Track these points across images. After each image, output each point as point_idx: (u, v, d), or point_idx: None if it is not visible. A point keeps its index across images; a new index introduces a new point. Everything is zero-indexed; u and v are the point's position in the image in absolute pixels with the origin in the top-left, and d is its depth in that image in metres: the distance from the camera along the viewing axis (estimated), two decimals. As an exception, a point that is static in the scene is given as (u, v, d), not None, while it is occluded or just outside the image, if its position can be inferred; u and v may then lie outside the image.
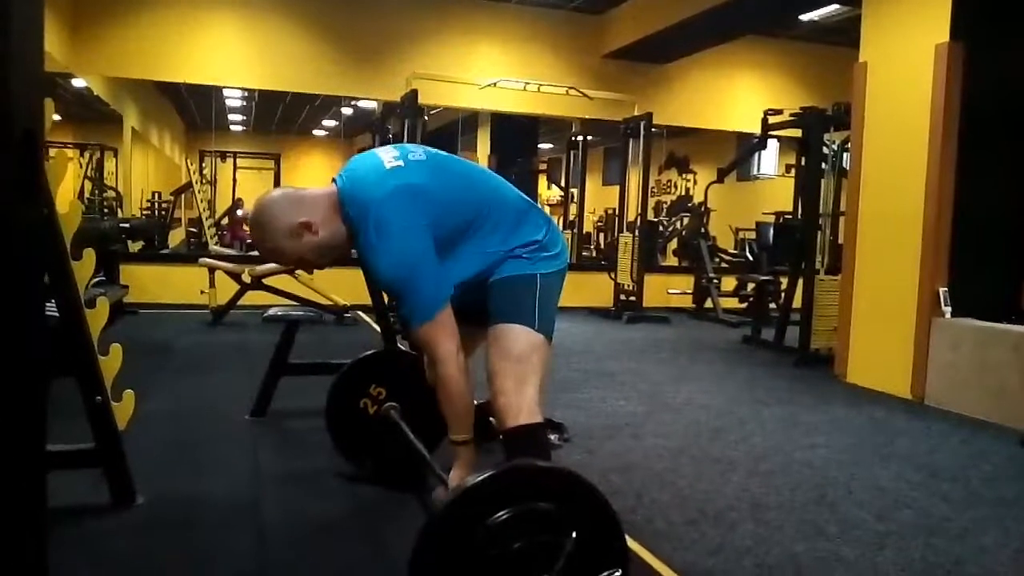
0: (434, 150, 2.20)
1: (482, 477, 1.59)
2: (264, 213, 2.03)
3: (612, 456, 3.34)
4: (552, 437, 3.44)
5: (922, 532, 2.62)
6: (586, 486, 1.65)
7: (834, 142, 6.29)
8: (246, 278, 6.72)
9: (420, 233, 1.97)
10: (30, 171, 0.94)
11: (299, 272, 6.97)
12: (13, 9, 0.92)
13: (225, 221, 12.47)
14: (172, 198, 12.73)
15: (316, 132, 18.17)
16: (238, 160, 14.12)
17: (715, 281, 8.65)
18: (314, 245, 2.03)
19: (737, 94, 9.98)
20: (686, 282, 9.10)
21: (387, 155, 2.09)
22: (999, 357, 4.34)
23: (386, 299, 3.85)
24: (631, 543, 2.20)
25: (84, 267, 2.51)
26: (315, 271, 2.26)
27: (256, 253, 7.60)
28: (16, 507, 0.99)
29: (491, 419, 2.21)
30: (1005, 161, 4.84)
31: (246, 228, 12.88)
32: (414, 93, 7.38)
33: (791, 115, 6.66)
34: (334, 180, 2.10)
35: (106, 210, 11.24)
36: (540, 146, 13.99)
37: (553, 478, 1.68)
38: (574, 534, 1.56)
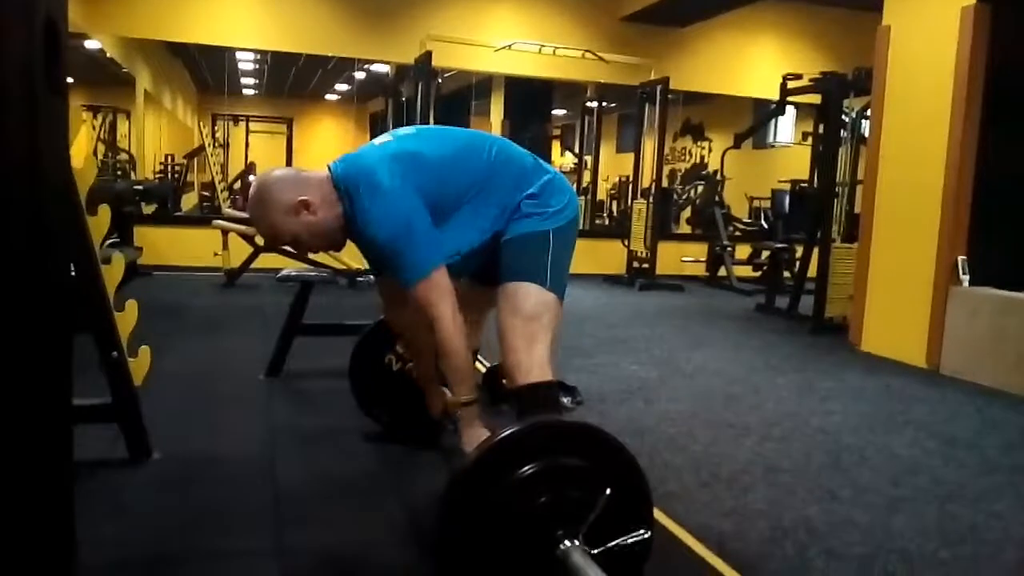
0: (426, 126, 2.21)
1: (511, 431, 1.58)
2: (265, 189, 2.04)
3: (625, 420, 3.34)
4: (565, 400, 3.45)
5: (937, 498, 2.61)
6: (619, 446, 1.65)
7: (853, 109, 6.20)
8: (259, 241, 6.71)
9: (411, 194, 1.99)
10: (55, 66, 0.92)
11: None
12: None
13: (238, 185, 12.45)
14: (185, 161, 12.71)
15: (329, 96, 18.05)
16: (251, 124, 14.05)
17: (729, 249, 8.59)
18: (310, 224, 2.03)
19: (756, 59, 9.82)
20: (700, 250, 9.04)
21: (377, 139, 2.18)
22: (1017, 327, 4.29)
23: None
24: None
25: (99, 223, 2.50)
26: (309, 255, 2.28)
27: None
28: (45, 460, 0.98)
29: (503, 380, 2.20)
30: (1029, 129, 4.75)
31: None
32: (428, 55, 7.31)
33: (810, 80, 6.56)
34: (329, 166, 2.10)
35: (119, 172, 11.24)
36: (554, 112, 13.83)
37: (584, 435, 1.68)
38: (607, 492, 1.55)
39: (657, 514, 2.34)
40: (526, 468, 1.54)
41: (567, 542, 1.53)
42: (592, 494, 1.54)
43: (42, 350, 0.95)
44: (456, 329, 2.02)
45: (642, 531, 1.59)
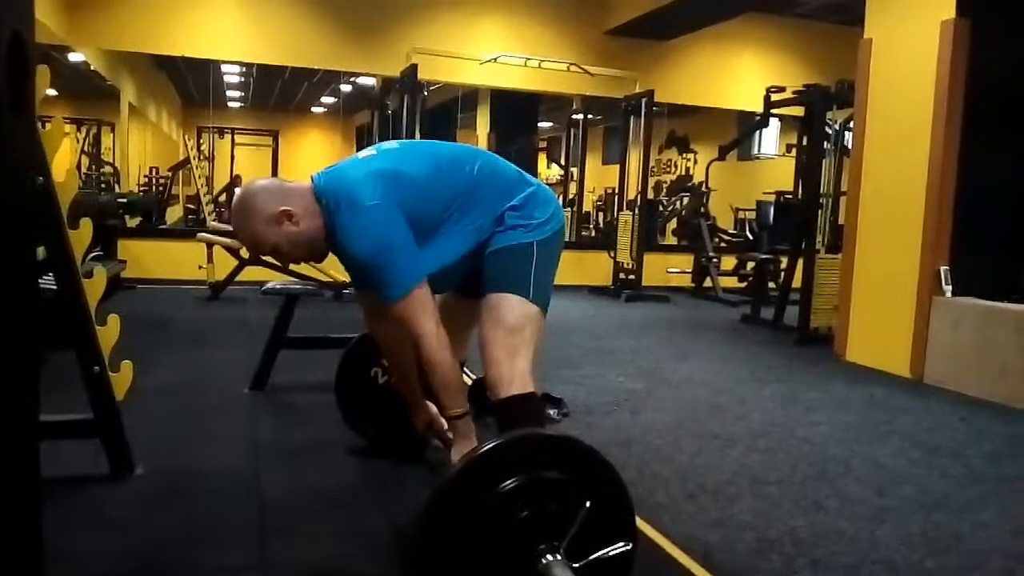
0: (410, 140, 2.21)
1: (492, 444, 1.58)
2: (248, 198, 2.03)
3: (612, 431, 3.34)
4: (551, 412, 3.45)
5: (922, 508, 2.62)
6: (599, 458, 1.64)
7: (836, 121, 6.25)
8: (244, 254, 6.69)
9: (392, 211, 1.98)
10: (19, 79, 0.90)
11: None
12: None
13: (223, 197, 12.40)
14: (170, 174, 12.66)
15: (315, 109, 18.04)
16: (236, 137, 14.02)
17: (715, 260, 8.63)
18: (291, 235, 2.02)
19: (739, 72, 9.89)
20: (686, 261, 9.08)
21: (361, 153, 2.18)
22: (1000, 336, 4.33)
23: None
24: (631, 516, 2.20)
25: (81, 236, 2.48)
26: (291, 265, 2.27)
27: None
28: (10, 480, 0.97)
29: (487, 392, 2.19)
30: (1010, 140, 4.80)
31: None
32: (414, 68, 7.31)
33: (794, 93, 6.61)
34: (312, 177, 2.10)
35: (103, 185, 11.18)
36: (540, 124, 13.89)
37: (566, 448, 1.67)
38: (587, 504, 1.54)
39: (643, 526, 2.34)
40: (507, 482, 1.53)
41: (548, 556, 1.52)
42: (573, 507, 1.54)
43: (6, 366, 0.93)
44: (440, 344, 2.00)
45: (622, 543, 1.59)
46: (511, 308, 2.06)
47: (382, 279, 1.99)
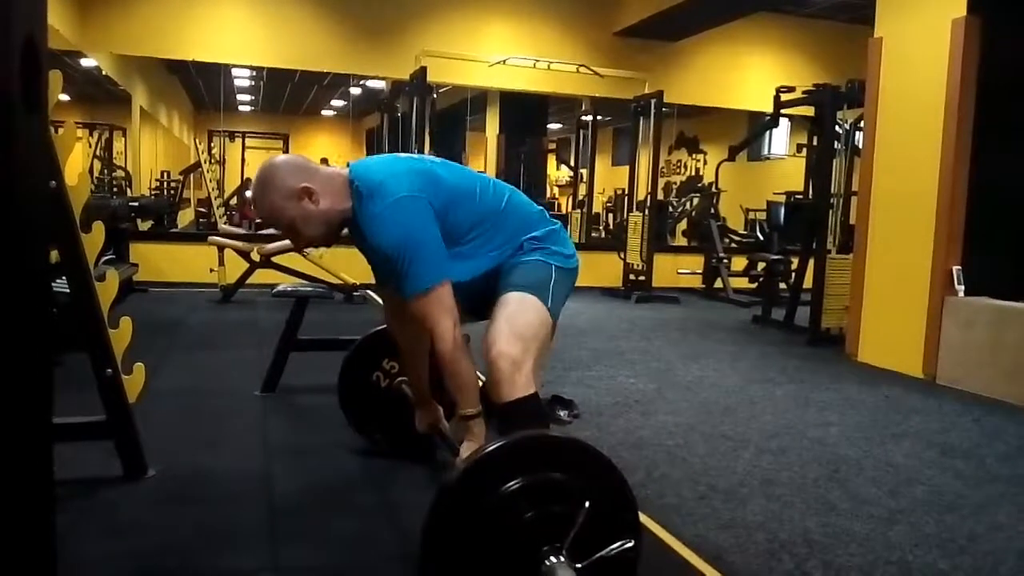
0: (451, 161, 2.25)
1: (496, 446, 1.58)
2: (270, 171, 2.04)
3: (622, 432, 3.34)
4: (562, 413, 3.45)
5: (935, 508, 2.61)
6: (598, 457, 1.64)
7: (847, 120, 6.23)
8: (255, 257, 6.72)
9: (424, 207, 1.98)
10: (33, 84, 0.91)
11: (308, 250, 6.96)
12: None
13: (234, 201, 12.45)
14: (181, 177, 12.72)
15: (324, 112, 18.08)
16: (247, 140, 14.07)
17: (725, 261, 8.60)
18: (309, 213, 2.02)
19: (749, 72, 9.87)
20: (696, 262, 9.05)
21: (402, 154, 2.25)
22: (1013, 336, 4.30)
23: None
24: (642, 517, 2.20)
25: (94, 240, 2.49)
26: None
27: (265, 232, 7.59)
28: (23, 483, 0.97)
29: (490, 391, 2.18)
30: (1022, 139, 4.76)
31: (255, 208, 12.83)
32: (423, 71, 7.33)
33: (804, 92, 6.59)
34: (348, 164, 2.12)
35: (115, 189, 11.24)
36: (549, 126, 13.89)
37: (566, 448, 1.67)
38: (587, 504, 1.54)
39: (654, 527, 2.34)
40: (510, 484, 1.53)
41: (552, 558, 1.52)
42: (576, 508, 1.53)
43: (21, 370, 0.94)
44: (457, 344, 1.99)
45: (623, 542, 1.58)
46: (527, 309, 2.03)
47: (406, 272, 1.97)
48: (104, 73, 9.83)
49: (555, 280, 2.11)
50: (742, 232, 10.76)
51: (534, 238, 2.16)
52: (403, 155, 2.21)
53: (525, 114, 11.37)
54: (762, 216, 10.36)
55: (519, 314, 2.01)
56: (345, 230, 2.13)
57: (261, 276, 6.76)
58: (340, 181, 2.06)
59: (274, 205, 2.02)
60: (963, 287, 4.64)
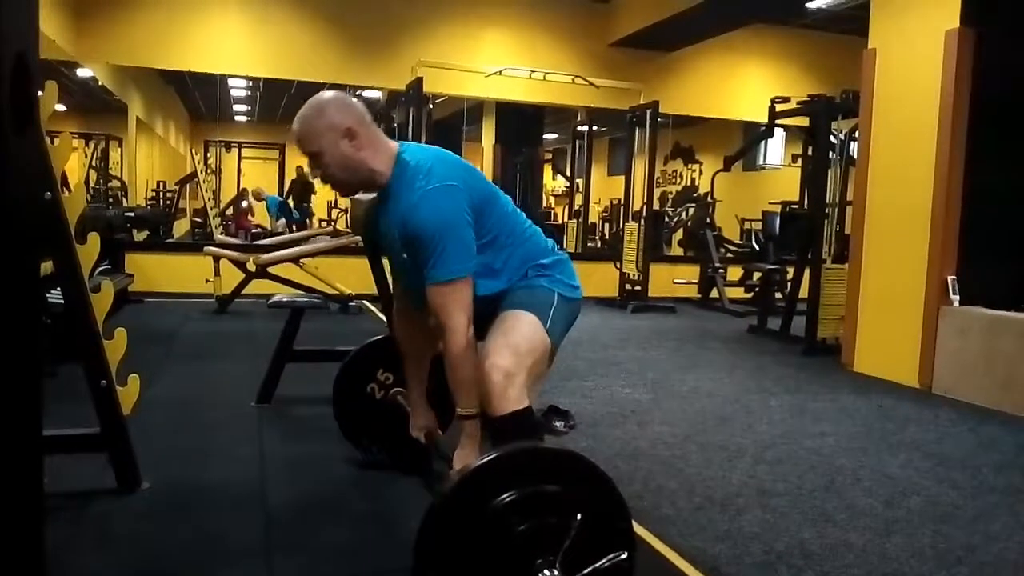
0: None
1: (488, 458, 1.57)
2: (325, 100, 2.03)
3: (618, 443, 3.33)
4: (558, 424, 3.44)
5: (931, 519, 2.60)
6: (591, 468, 1.64)
7: (841, 131, 6.25)
8: (251, 267, 6.71)
9: (466, 201, 2.00)
10: (25, 102, 0.91)
11: (304, 260, 6.96)
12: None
13: (230, 211, 12.45)
14: (177, 188, 12.71)
15: (321, 123, 18.08)
16: (243, 151, 14.08)
17: (721, 271, 8.62)
18: (343, 152, 2.00)
19: (744, 83, 9.91)
20: (692, 272, 9.07)
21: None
22: (1008, 345, 4.31)
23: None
24: (638, 529, 2.20)
25: (89, 251, 2.49)
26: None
27: (260, 242, 7.59)
28: (13, 495, 0.97)
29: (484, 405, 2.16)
30: (1015, 149, 4.78)
31: (251, 218, 12.85)
32: (419, 81, 7.35)
33: (799, 103, 6.61)
34: (400, 142, 2.14)
35: (111, 199, 11.22)
36: (545, 136, 13.91)
37: (558, 460, 1.67)
38: (579, 516, 1.54)
39: (651, 538, 2.33)
40: (503, 496, 1.52)
41: (546, 571, 1.52)
42: (569, 520, 1.53)
43: (11, 381, 0.94)
44: (468, 342, 1.98)
45: (616, 553, 1.58)
46: (525, 326, 2.02)
47: (435, 258, 1.95)
48: (100, 83, 9.83)
49: (556, 307, 2.11)
50: (738, 242, 10.78)
51: (541, 265, 2.17)
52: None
53: (521, 124, 11.38)
54: (758, 226, 10.39)
55: (514, 329, 2.00)
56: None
57: (257, 286, 6.75)
58: (389, 148, 2.07)
59: (314, 129, 2.00)
60: (958, 297, 4.65)
